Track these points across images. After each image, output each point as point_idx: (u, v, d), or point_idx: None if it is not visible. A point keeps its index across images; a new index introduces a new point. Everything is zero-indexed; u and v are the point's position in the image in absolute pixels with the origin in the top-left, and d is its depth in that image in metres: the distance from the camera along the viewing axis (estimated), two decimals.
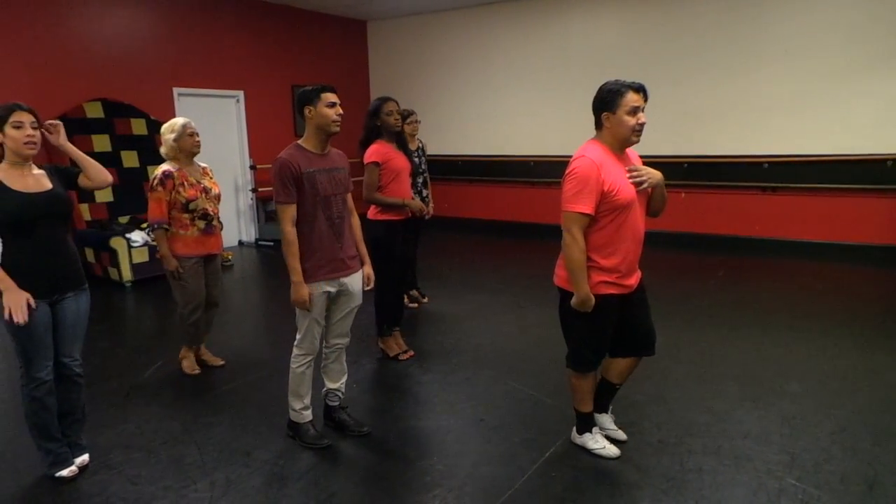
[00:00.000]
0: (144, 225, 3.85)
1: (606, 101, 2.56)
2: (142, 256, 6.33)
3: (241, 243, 8.81)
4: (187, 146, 3.81)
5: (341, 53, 9.84)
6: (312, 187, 2.84)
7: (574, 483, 2.71)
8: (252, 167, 8.64)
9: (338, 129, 2.87)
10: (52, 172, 2.75)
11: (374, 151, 3.92)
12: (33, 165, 2.68)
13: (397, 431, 3.22)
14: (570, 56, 8.40)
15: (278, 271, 7.41)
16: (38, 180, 2.65)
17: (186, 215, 3.78)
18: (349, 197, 3.05)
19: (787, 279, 6.19)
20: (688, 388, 3.64)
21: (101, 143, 6.76)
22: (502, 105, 9.08)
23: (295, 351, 3.04)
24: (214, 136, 8.27)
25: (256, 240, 8.89)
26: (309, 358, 3.04)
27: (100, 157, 6.71)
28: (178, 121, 3.85)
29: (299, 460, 2.94)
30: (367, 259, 3.18)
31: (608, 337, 2.77)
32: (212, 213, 3.91)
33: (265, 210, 8.85)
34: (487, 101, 9.21)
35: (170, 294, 4.00)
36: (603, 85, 2.60)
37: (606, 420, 3.05)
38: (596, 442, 2.92)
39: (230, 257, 7.59)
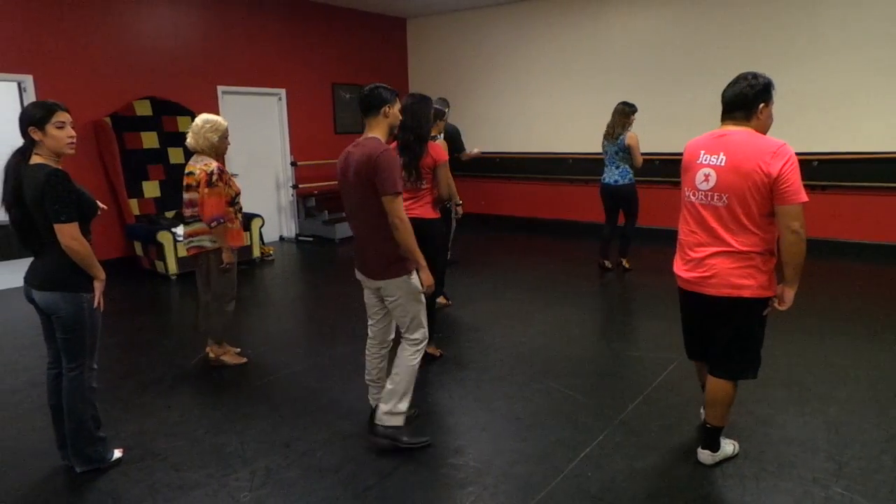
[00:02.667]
0: (195, 221, 3.92)
1: (769, 92, 2.52)
2: (186, 250, 6.50)
3: (281, 238, 8.98)
4: (223, 148, 3.94)
5: (381, 51, 9.91)
6: None
7: (611, 484, 2.68)
8: (293, 164, 8.79)
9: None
10: None
11: (443, 150, 3.95)
12: None
13: (432, 428, 3.23)
14: (610, 51, 8.28)
15: (318, 266, 7.53)
16: None
17: (231, 209, 3.90)
18: None
19: (835, 281, 5.98)
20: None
21: (150, 139, 6.97)
22: (541, 101, 9.01)
23: (414, 347, 2.93)
24: (257, 133, 8.46)
25: (297, 235, 9.04)
26: (424, 347, 2.99)
27: (148, 154, 6.99)
28: (222, 122, 3.94)
29: (336, 453, 2.98)
30: None
31: (691, 333, 2.87)
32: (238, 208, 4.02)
33: (305, 206, 9.00)
34: (526, 97, 9.15)
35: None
36: (761, 76, 2.51)
37: None
38: (733, 446, 2.87)
39: (271, 252, 7.74)
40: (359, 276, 3.00)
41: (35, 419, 3.40)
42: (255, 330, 4.97)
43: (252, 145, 8.34)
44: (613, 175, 6.06)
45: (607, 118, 6.13)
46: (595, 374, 3.94)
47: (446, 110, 5.33)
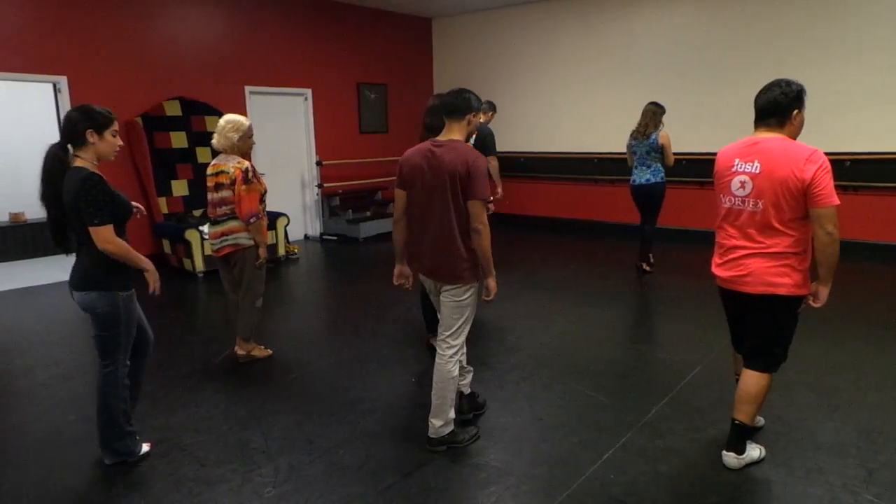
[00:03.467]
0: (228, 219, 3.98)
1: (802, 99, 2.59)
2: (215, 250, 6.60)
3: (306, 237, 9.06)
4: (246, 147, 3.99)
5: (406, 51, 9.95)
6: None
7: (633, 487, 2.65)
8: (318, 163, 8.87)
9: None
10: None
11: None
12: None
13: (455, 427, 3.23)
14: (636, 51, 8.20)
15: (341, 265, 7.58)
16: None
17: (261, 206, 3.99)
18: None
19: (866, 283, 5.84)
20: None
21: (179, 139, 7.09)
22: (566, 101, 8.95)
23: (456, 357, 2.93)
24: (283, 133, 8.56)
25: (321, 234, 9.12)
26: (461, 357, 2.99)
27: (177, 153, 7.11)
28: (244, 121, 3.99)
29: (358, 451, 3.00)
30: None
31: (734, 328, 2.93)
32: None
33: (329, 205, 9.07)
34: (551, 96, 9.10)
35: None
36: (794, 83, 2.58)
37: None
38: (759, 451, 2.84)
39: (296, 251, 7.82)
40: (423, 278, 3.00)
41: (67, 412, 3.49)
42: (280, 327, 5.03)
43: (278, 145, 8.44)
44: (645, 174, 5.98)
45: (634, 118, 6.08)
46: (619, 375, 3.90)
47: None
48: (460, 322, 2.89)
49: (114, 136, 2.69)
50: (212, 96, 7.49)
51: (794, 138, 2.61)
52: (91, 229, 2.58)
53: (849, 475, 2.69)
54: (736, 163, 2.63)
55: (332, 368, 4.07)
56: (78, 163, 2.63)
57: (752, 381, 2.72)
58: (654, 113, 5.88)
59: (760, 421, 3.07)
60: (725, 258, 2.72)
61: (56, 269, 6.89)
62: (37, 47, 6.19)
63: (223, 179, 3.89)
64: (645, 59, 8.12)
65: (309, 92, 8.73)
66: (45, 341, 4.75)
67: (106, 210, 2.59)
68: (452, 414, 2.98)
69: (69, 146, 2.65)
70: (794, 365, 3.88)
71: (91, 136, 2.62)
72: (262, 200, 4.00)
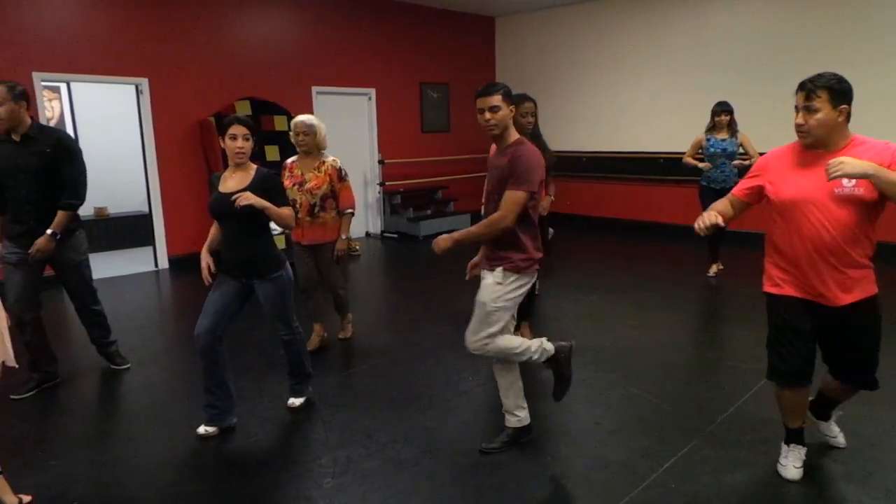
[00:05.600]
0: (348, 210, 4.17)
1: (852, 96, 2.37)
2: (280, 243, 6.81)
3: (367, 234, 9.22)
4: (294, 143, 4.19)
5: (468, 50, 9.96)
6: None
7: (696, 498, 2.57)
8: (380, 162, 9.00)
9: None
10: (259, 180, 3.06)
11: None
12: (251, 166, 3.10)
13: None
14: (705, 48, 7.92)
15: (401, 262, 7.67)
16: (239, 182, 3.01)
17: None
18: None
19: None
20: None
21: None
22: (630, 100, 8.75)
23: (483, 343, 2.86)
24: (347, 131, 8.73)
25: (382, 231, 9.26)
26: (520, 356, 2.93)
27: None
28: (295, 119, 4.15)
29: (415, 447, 3.04)
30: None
31: (794, 344, 2.52)
32: (298, 205, 4.09)
33: (391, 203, 9.19)
34: (615, 95, 8.92)
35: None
36: (842, 77, 2.37)
37: (825, 427, 2.93)
38: (784, 457, 2.73)
39: (357, 247, 7.97)
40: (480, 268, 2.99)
41: (141, 396, 3.68)
42: (338, 323, 5.13)
43: (342, 143, 8.60)
44: (722, 175, 5.80)
45: (702, 116, 5.89)
46: (682, 382, 3.79)
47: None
48: (497, 311, 2.81)
49: (231, 140, 3.01)
50: (280, 96, 7.72)
51: None
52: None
53: None
54: None
55: (391, 364, 4.13)
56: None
57: (848, 394, 2.71)
58: (730, 112, 5.72)
59: (837, 434, 2.92)
60: (804, 274, 2.49)
61: (134, 261, 7.28)
62: (122, 51, 6.55)
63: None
64: (714, 56, 7.83)
65: (373, 91, 8.87)
66: (124, 329, 5.01)
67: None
68: (522, 407, 3.01)
69: None
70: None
71: (221, 141, 3.10)
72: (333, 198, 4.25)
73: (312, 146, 4.09)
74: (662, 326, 4.82)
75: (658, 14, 8.31)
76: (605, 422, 3.26)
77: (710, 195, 5.90)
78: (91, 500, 2.65)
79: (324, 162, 4.17)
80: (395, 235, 9.02)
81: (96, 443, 3.16)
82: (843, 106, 2.34)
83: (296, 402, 3.47)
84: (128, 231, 8.11)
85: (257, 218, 2.98)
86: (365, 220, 9.22)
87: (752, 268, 6.47)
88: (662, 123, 8.41)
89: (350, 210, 4.19)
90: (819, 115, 2.33)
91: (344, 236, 4.21)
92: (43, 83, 6.27)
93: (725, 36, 7.75)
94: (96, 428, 3.36)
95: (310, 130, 4.06)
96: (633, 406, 3.44)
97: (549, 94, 9.31)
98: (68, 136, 3.80)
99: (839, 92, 2.33)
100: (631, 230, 8.79)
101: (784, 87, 7.31)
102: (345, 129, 8.67)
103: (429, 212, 9.43)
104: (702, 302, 5.63)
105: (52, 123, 7.60)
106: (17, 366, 2.45)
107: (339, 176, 4.13)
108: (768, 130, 7.16)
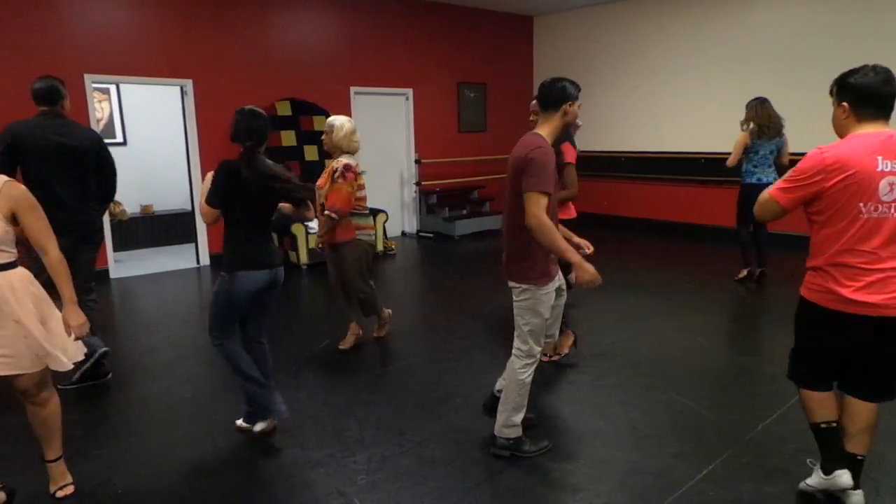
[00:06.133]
0: (329, 212, 4.17)
1: None
2: (311, 243, 6.91)
3: (403, 234, 9.28)
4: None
5: (506, 50, 9.93)
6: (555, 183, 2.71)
7: None
8: (417, 161, 9.05)
9: None
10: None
11: (572, 151, 3.87)
12: None
13: (545, 429, 3.20)
14: (749, 46, 7.71)
15: (437, 262, 7.70)
16: None
17: None
18: None
19: None
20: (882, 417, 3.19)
21: (288, 138, 7.47)
22: (672, 99, 8.59)
23: (522, 361, 2.80)
24: (384, 132, 8.80)
25: (417, 231, 9.30)
26: (535, 363, 2.86)
27: (286, 151, 7.49)
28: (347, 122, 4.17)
29: (448, 446, 3.05)
30: None
31: (821, 357, 2.42)
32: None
33: (427, 203, 9.23)
34: (656, 94, 8.76)
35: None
36: (853, 69, 2.28)
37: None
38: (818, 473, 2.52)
39: (393, 246, 8.03)
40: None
41: (184, 389, 3.79)
42: (376, 321, 5.17)
43: (380, 143, 8.69)
44: (772, 174, 5.62)
45: (743, 116, 5.73)
46: (721, 388, 3.70)
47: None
48: (521, 324, 2.76)
49: None
50: (319, 97, 7.83)
51: None
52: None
53: None
54: (880, 161, 2.16)
55: (425, 363, 4.15)
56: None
57: (873, 412, 2.38)
58: (772, 109, 5.56)
59: None
60: (868, 279, 2.22)
61: (179, 257, 7.48)
62: (168, 53, 6.74)
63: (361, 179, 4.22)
64: (760, 53, 7.63)
65: (410, 92, 8.92)
66: (168, 323, 5.17)
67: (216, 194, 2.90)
68: (517, 419, 2.87)
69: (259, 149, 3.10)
70: None
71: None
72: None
73: (331, 146, 4.12)
74: (701, 329, 4.72)
75: (701, 11, 8.14)
76: (642, 426, 3.21)
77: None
78: (134, 489, 2.74)
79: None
80: (431, 235, 9.05)
81: (139, 434, 3.26)
82: (844, 102, 2.23)
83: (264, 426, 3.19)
84: (172, 228, 8.34)
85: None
86: (401, 219, 9.28)
87: (794, 272, 6.29)
88: (705, 123, 8.23)
89: (333, 213, 3.98)
90: (833, 113, 2.26)
91: (319, 234, 4.19)
92: (93, 85, 6.49)
93: (771, 32, 7.54)
94: (140, 419, 3.47)
95: (329, 130, 4.11)
96: (670, 411, 3.38)
97: (588, 94, 9.15)
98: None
99: (841, 87, 2.25)
100: (670, 231, 8.63)
101: (829, 84, 7.13)
102: (382, 129, 8.74)
103: (464, 211, 9.43)
104: (742, 305, 5.49)
105: (101, 124, 7.86)
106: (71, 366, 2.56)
107: (333, 176, 4.04)
108: (815, 128, 6.95)
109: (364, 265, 4.29)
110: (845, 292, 2.24)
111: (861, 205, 2.19)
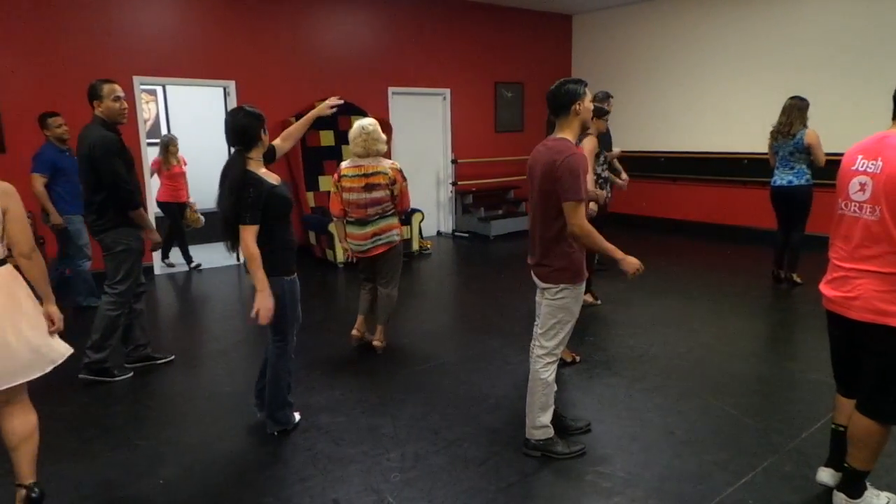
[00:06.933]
0: (381, 218, 4.21)
1: None
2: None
3: (439, 233, 9.30)
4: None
5: (544, 48, 9.86)
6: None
7: None
8: (453, 161, 9.06)
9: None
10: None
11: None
12: None
13: (579, 432, 3.17)
14: (797, 42, 7.48)
15: (472, 262, 7.69)
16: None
17: None
18: None
19: None
20: None
21: (327, 138, 7.58)
22: (713, 97, 8.39)
23: (544, 360, 2.83)
24: (422, 132, 8.84)
25: (453, 231, 9.31)
26: (556, 362, 2.88)
27: (325, 151, 7.58)
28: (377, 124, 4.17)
29: (482, 446, 3.04)
30: None
31: (836, 360, 2.51)
32: None
33: (463, 203, 9.23)
34: (696, 94, 8.58)
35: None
36: None
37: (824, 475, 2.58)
38: (884, 499, 2.43)
39: (429, 246, 8.05)
40: (532, 274, 2.95)
41: (224, 383, 3.87)
42: (411, 320, 5.21)
43: (417, 143, 8.74)
44: (787, 176, 5.48)
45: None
46: (763, 394, 3.61)
47: (606, 108, 5.11)
48: (552, 322, 2.79)
49: (265, 134, 2.99)
50: (358, 97, 7.90)
51: None
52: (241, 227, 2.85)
53: None
54: (858, 160, 2.25)
55: (459, 363, 4.15)
56: (252, 165, 2.89)
57: (861, 426, 2.30)
58: (799, 108, 5.34)
59: None
60: (833, 275, 2.35)
61: (222, 254, 7.65)
62: (212, 55, 6.91)
63: (380, 180, 4.03)
64: (809, 50, 7.39)
65: (447, 92, 8.94)
66: (210, 318, 5.30)
67: (255, 211, 2.82)
68: (544, 419, 2.87)
69: (243, 150, 2.90)
70: None
71: (263, 137, 2.93)
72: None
73: None
74: (741, 334, 4.61)
75: (744, 7, 7.93)
76: (680, 431, 3.15)
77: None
78: (175, 480, 2.81)
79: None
80: (467, 235, 9.05)
81: (180, 426, 3.35)
82: None
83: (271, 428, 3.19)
84: (213, 225, 8.53)
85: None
86: (437, 219, 9.30)
87: None
88: (748, 123, 8.01)
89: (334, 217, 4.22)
90: None
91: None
92: (141, 86, 6.69)
93: (819, 30, 7.30)
94: (181, 412, 3.57)
95: None
96: (709, 416, 3.30)
97: (628, 93, 9.08)
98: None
99: None
100: (710, 233, 8.44)
101: (879, 82, 6.87)
102: (419, 129, 8.78)
103: (500, 212, 9.40)
104: (785, 309, 5.34)
105: (148, 125, 8.10)
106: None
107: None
108: (862, 128, 6.70)
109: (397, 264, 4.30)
110: (821, 284, 2.43)
111: (840, 202, 2.33)
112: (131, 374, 3.97)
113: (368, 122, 4.12)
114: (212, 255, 7.60)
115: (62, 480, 2.78)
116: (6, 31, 5.76)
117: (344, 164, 4.16)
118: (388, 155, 4.30)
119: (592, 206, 5.15)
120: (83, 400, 3.64)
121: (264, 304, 2.83)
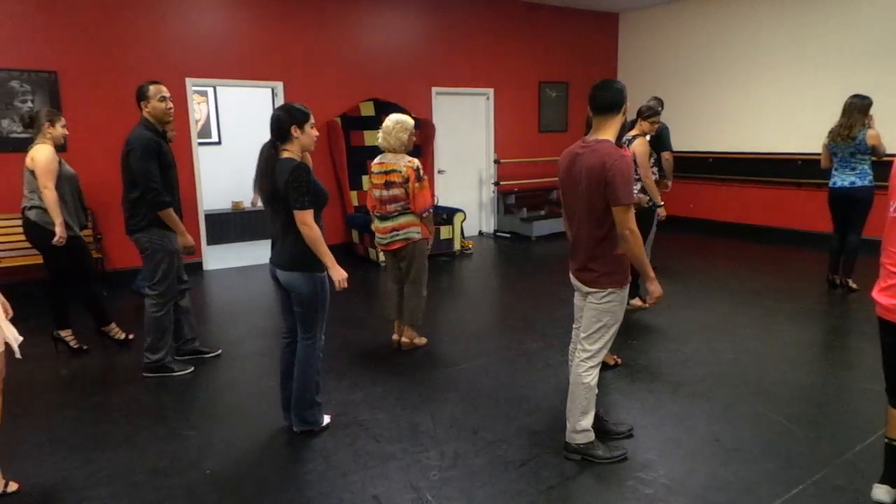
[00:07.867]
0: (399, 214, 4.24)
1: None
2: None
3: (480, 233, 9.29)
4: (410, 145, 4.21)
5: (589, 47, 9.73)
6: None
7: None
8: (496, 161, 9.03)
9: None
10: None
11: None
12: None
13: (620, 437, 3.12)
14: (855, 39, 7.18)
15: (513, 262, 7.66)
16: None
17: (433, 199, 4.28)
18: None
19: None
20: None
21: (371, 138, 7.64)
22: (764, 97, 8.13)
23: (587, 364, 2.80)
24: (464, 131, 8.84)
25: (495, 231, 9.28)
26: (599, 366, 2.85)
27: (369, 151, 7.64)
28: (410, 120, 4.17)
29: (521, 448, 3.03)
30: None
31: (889, 371, 2.43)
32: None
33: (505, 203, 9.19)
34: (748, 92, 8.33)
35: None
36: None
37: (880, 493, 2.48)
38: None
39: (470, 246, 8.05)
40: (572, 278, 2.92)
41: (267, 379, 3.95)
42: (451, 319, 5.22)
43: (459, 143, 8.75)
44: (849, 177, 5.27)
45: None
46: (814, 403, 3.48)
47: (660, 109, 5.03)
48: (598, 326, 2.77)
49: (312, 128, 2.99)
50: (402, 97, 7.97)
51: None
52: (295, 212, 2.88)
53: None
54: None
55: (500, 363, 4.14)
56: (285, 155, 2.95)
57: None
58: (860, 109, 5.14)
59: None
60: (888, 282, 2.27)
61: (264, 251, 7.82)
62: (261, 57, 7.07)
63: (395, 178, 4.09)
64: (868, 46, 7.09)
65: (491, 91, 8.91)
66: (255, 314, 5.42)
67: (309, 196, 2.86)
68: (585, 423, 2.84)
69: (278, 142, 2.96)
70: None
71: (295, 131, 2.93)
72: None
73: None
74: (792, 340, 4.46)
75: (797, 3, 7.66)
76: (726, 439, 3.07)
77: None
78: (222, 471, 2.89)
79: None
80: (508, 235, 9.01)
81: (226, 420, 3.44)
82: None
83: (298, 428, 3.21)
84: (260, 224, 8.74)
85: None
86: (478, 219, 9.29)
87: None
88: (802, 123, 7.74)
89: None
90: None
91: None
92: (193, 88, 6.90)
93: (874, 26, 6.99)
94: (226, 406, 3.66)
95: None
96: (757, 425, 3.21)
97: (676, 92, 8.88)
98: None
99: None
100: (761, 236, 8.18)
101: None
102: (462, 129, 8.79)
103: (542, 212, 9.33)
104: (838, 316, 5.13)
105: (199, 125, 8.34)
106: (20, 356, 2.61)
107: None
108: None
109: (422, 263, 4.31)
110: (874, 291, 2.33)
111: (893, 204, 2.25)
112: (192, 368, 4.08)
113: (390, 117, 4.17)
114: (258, 252, 7.78)
115: (114, 467, 2.89)
116: (71, 36, 6.02)
117: (377, 160, 4.24)
118: (430, 155, 4.31)
119: (662, 211, 5.02)
120: (134, 391, 3.77)
121: (340, 275, 2.98)
